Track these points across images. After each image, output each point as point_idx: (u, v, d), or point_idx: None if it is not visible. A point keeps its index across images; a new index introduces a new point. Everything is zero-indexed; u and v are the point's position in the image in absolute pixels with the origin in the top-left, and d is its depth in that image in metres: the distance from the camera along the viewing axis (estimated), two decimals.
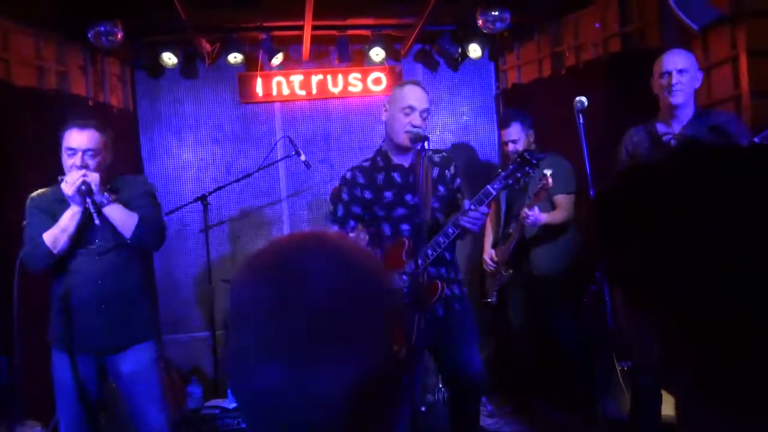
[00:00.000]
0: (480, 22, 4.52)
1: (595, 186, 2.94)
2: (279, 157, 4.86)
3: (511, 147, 4.09)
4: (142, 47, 4.74)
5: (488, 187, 2.68)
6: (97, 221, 2.65)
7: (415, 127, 2.75)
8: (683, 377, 0.65)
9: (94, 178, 2.70)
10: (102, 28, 4.18)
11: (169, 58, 4.75)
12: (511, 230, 3.98)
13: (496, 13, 4.47)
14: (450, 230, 2.71)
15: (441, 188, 2.90)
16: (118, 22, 4.19)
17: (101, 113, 4.54)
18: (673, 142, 2.97)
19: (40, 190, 2.91)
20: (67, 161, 2.78)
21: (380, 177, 2.89)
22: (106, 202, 2.75)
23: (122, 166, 4.59)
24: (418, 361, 2.80)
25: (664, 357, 0.65)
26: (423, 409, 3.95)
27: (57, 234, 2.72)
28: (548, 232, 3.90)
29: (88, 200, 2.65)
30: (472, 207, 2.66)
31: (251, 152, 5.15)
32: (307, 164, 4.61)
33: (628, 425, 3.15)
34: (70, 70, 4.35)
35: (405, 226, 2.84)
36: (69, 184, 2.66)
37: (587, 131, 3.04)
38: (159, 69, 4.95)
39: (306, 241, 0.74)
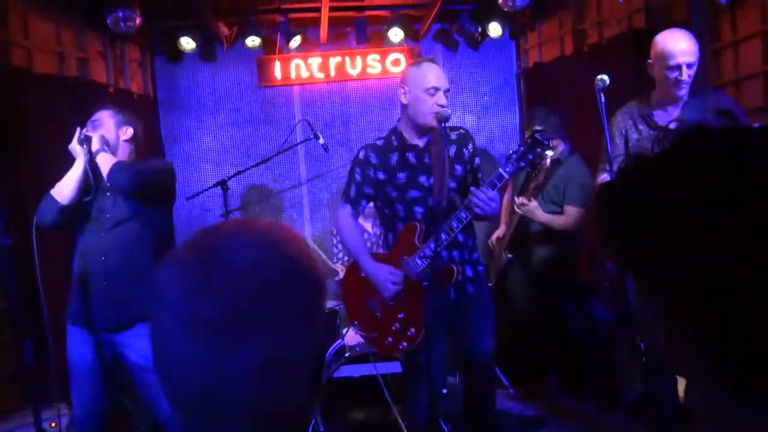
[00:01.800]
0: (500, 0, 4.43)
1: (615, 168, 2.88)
2: (298, 141, 4.84)
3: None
4: (160, 32, 4.75)
5: (500, 170, 2.59)
6: (89, 170, 2.83)
7: (442, 107, 2.68)
8: (692, 362, 0.65)
9: (93, 132, 2.90)
10: (120, 14, 4.19)
11: (187, 43, 4.75)
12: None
13: None
14: (463, 215, 2.65)
15: (458, 167, 2.81)
16: (136, 7, 4.20)
17: (121, 99, 4.57)
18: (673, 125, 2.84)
19: None
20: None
21: (394, 157, 2.81)
22: (100, 150, 2.88)
23: (142, 151, 4.64)
24: (437, 343, 2.72)
25: (673, 341, 0.65)
26: (444, 392, 3.95)
27: (61, 185, 2.85)
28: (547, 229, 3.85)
29: (85, 147, 2.84)
30: (484, 190, 2.58)
31: (270, 135, 5.15)
32: (325, 147, 4.57)
33: (643, 406, 3.09)
34: (90, 56, 4.38)
35: (418, 209, 2.77)
36: (73, 140, 2.88)
37: (610, 111, 2.96)
38: (178, 54, 4.95)
39: (228, 226, 0.77)
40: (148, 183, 2.90)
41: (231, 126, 5.17)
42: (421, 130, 2.76)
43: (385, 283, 2.76)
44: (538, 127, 2.64)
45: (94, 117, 3.03)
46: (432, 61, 2.81)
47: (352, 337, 3.74)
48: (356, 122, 5.27)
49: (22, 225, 3.58)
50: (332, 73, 5.16)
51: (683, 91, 2.82)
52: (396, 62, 5.19)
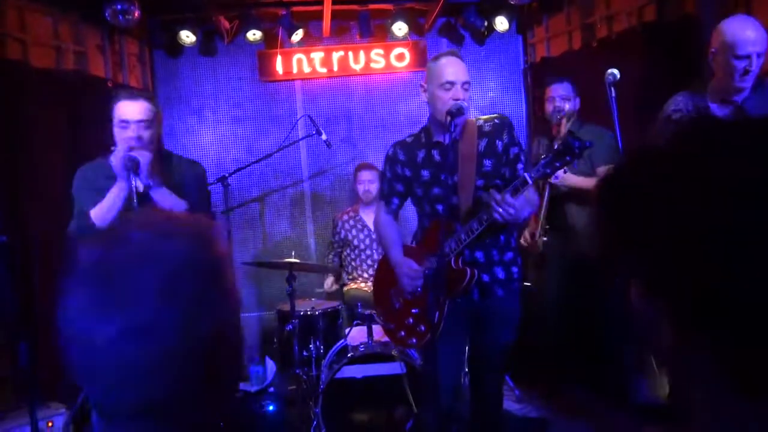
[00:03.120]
0: None
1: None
2: (300, 137, 4.76)
3: (556, 104, 3.81)
4: (159, 25, 4.68)
5: (525, 174, 2.47)
6: (135, 202, 2.50)
7: (456, 100, 2.57)
8: (693, 363, 0.64)
9: (144, 156, 2.54)
10: (119, 6, 4.11)
11: (187, 36, 4.67)
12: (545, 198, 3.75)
13: None
14: (484, 216, 2.54)
15: (487, 163, 2.67)
16: (135, 0, 4.11)
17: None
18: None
19: (90, 163, 2.77)
20: (120, 134, 2.60)
21: (420, 154, 2.76)
22: (153, 184, 2.60)
23: None
24: (449, 346, 2.67)
25: (674, 342, 0.65)
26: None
27: (104, 211, 2.59)
28: (572, 195, 3.67)
29: (134, 178, 2.51)
30: (506, 195, 2.46)
31: (272, 131, 5.07)
32: (328, 143, 4.51)
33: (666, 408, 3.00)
34: (88, 50, 4.30)
35: (440, 207, 2.72)
36: (118, 157, 2.52)
37: (620, 106, 2.87)
38: (177, 48, 4.88)
39: (140, 215, 0.93)
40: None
41: (231, 121, 5.09)
42: (443, 127, 2.63)
43: (402, 276, 2.78)
44: (572, 138, 2.45)
45: (139, 115, 2.58)
46: (453, 54, 2.70)
47: (355, 337, 3.67)
48: (359, 118, 5.18)
49: (16, 221, 3.53)
50: (335, 67, 5.07)
51: (749, 83, 2.69)
52: (400, 57, 5.10)
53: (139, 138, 2.57)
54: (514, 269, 2.79)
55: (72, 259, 0.80)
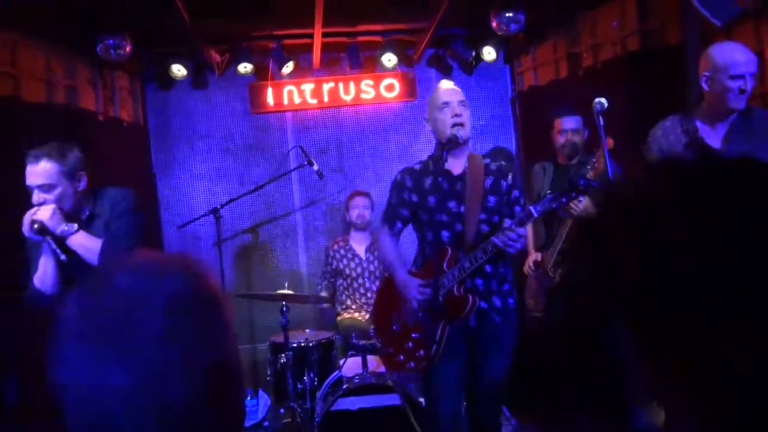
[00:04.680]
0: (494, 24, 4.42)
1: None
2: (291, 167, 4.78)
3: (566, 137, 3.88)
4: (151, 59, 4.71)
5: (531, 207, 2.58)
6: (62, 257, 2.47)
7: (456, 116, 2.75)
8: (669, 400, 0.66)
9: (45, 213, 2.50)
10: (110, 41, 4.15)
11: (178, 70, 4.71)
12: (555, 229, 3.75)
13: (511, 15, 4.37)
14: (489, 247, 2.64)
15: (491, 199, 2.81)
16: (126, 35, 4.16)
17: (111, 128, 4.51)
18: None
19: None
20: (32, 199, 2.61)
21: (428, 181, 2.86)
22: (67, 233, 2.54)
23: (134, 180, 4.56)
24: (446, 368, 2.76)
25: (652, 379, 0.66)
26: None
27: (41, 277, 2.57)
28: None
29: (49, 239, 2.48)
30: (513, 226, 2.58)
31: (263, 162, 5.09)
32: (320, 174, 4.53)
33: None
34: (79, 84, 4.31)
35: (445, 233, 2.80)
36: (24, 225, 2.50)
37: (606, 132, 2.92)
38: (169, 81, 4.91)
39: (124, 258, 0.85)
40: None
41: (223, 153, 5.11)
42: (447, 147, 2.74)
43: (412, 292, 2.80)
44: (584, 177, 2.66)
45: (37, 180, 2.52)
46: (445, 81, 2.93)
47: (349, 368, 3.64)
48: (350, 148, 5.22)
49: (12, 259, 3.50)
50: (325, 98, 5.12)
51: (743, 104, 2.75)
52: (390, 87, 5.16)
53: (39, 204, 2.54)
54: (510, 300, 2.88)
55: (59, 312, 0.79)
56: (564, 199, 2.56)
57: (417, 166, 2.95)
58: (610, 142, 3.27)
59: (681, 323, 0.60)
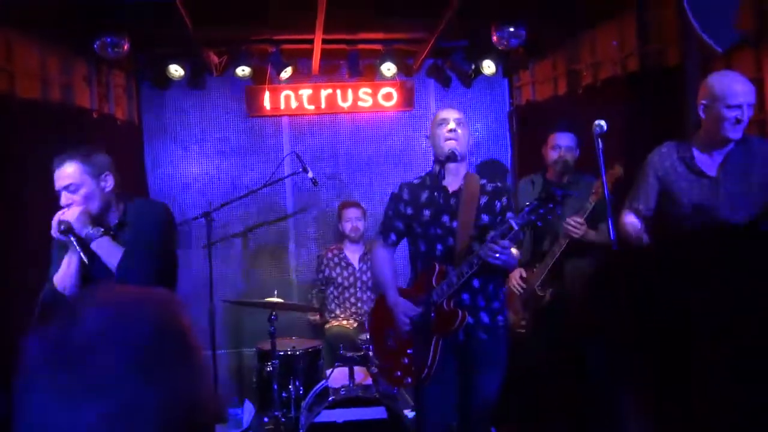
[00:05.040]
0: (495, 38, 4.41)
1: (612, 213, 2.82)
2: (286, 173, 4.76)
3: (559, 153, 3.85)
4: (148, 59, 4.67)
5: (511, 221, 2.61)
6: (85, 260, 2.48)
7: (450, 131, 2.84)
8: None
9: (72, 213, 2.50)
10: (108, 40, 4.11)
11: (176, 70, 4.67)
12: (545, 247, 3.74)
13: (512, 30, 4.36)
14: (474, 260, 2.69)
15: (485, 217, 2.87)
16: (125, 34, 4.12)
17: (105, 126, 4.47)
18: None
19: None
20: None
21: (424, 195, 2.94)
22: (93, 236, 2.53)
23: (126, 179, 4.51)
24: (436, 383, 2.80)
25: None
26: None
27: (62, 277, 2.58)
28: (582, 248, 3.61)
29: (73, 239, 2.48)
30: (495, 238, 2.62)
31: (258, 166, 5.06)
32: (314, 182, 4.51)
33: None
34: (74, 81, 4.27)
35: (438, 247, 2.87)
36: (52, 226, 2.50)
37: (604, 153, 2.91)
38: (165, 80, 4.87)
39: (97, 292, 0.84)
40: (163, 269, 2.63)
41: (217, 155, 5.08)
42: (444, 164, 2.84)
43: (400, 315, 2.87)
44: (555, 187, 2.73)
45: (64, 181, 2.55)
46: (449, 107, 3.07)
47: (336, 378, 3.61)
48: (345, 155, 5.20)
49: None
50: (323, 105, 5.09)
51: (739, 134, 2.76)
52: (388, 96, 5.14)
53: (67, 205, 2.54)
54: (500, 318, 2.91)
55: (25, 343, 0.77)
56: (542, 210, 2.57)
57: (415, 181, 3.03)
58: (618, 170, 3.27)
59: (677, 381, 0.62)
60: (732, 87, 2.74)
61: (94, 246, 2.54)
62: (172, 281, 2.71)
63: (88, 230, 2.54)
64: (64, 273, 2.57)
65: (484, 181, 2.94)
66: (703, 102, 2.84)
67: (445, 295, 2.78)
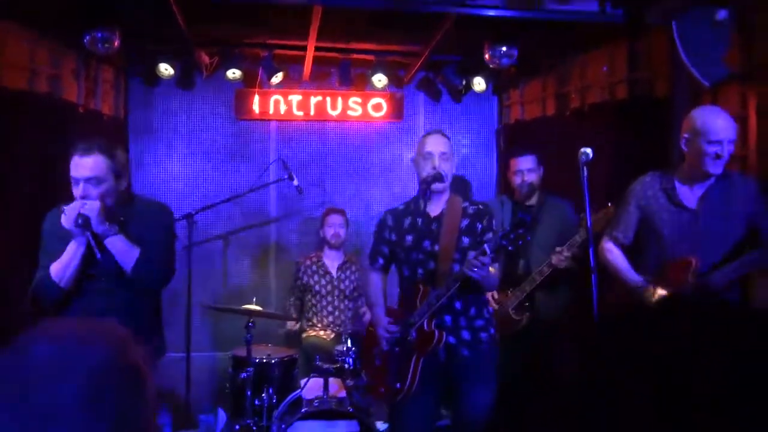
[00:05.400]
0: (487, 56, 4.43)
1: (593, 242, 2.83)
2: (271, 179, 4.74)
3: (522, 177, 3.92)
4: (138, 55, 4.63)
5: (485, 245, 2.66)
6: (98, 255, 2.47)
7: (434, 168, 2.87)
8: None
9: (92, 208, 2.49)
10: (99, 35, 4.05)
11: (166, 69, 4.63)
12: (520, 269, 3.81)
13: (504, 49, 4.38)
14: (451, 282, 2.76)
15: (465, 240, 2.92)
16: (116, 29, 4.07)
17: (91, 120, 4.42)
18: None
19: (56, 209, 2.66)
20: (74, 190, 2.57)
21: (407, 221, 3.00)
22: (108, 233, 2.54)
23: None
24: (415, 402, 2.87)
25: None
26: None
27: (61, 268, 2.54)
28: (556, 276, 3.70)
29: (88, 234, 2.47)
30: (473, 257, 2.66)
31: (243, 169, 5.03)
32: (299, 190, 4.50)
33: None
34: (62, 74, 4.21)
35: (420, 271, 2.94)
36: (67, 217, 2.47)
37: (589, 178, 2.92)
38: (154, 78, 4.82)
39: (49, 325, 0.84)
40: (168, 269, 2.73)
41: (202, 156, 5.04)
42: (425, 190, 2.89)
43: (380, 332, 2.95)
44: (522, 213, 2.92)
45: (87, 172, 2.53)
46: (437, 132, 3.03)
47: (311, 389, 3.60)
48: (332, 163, 5.19)
49: None
50: (312, 111, 5.08)
51: (719, 169, 2.81)
52: (377, 107, 5.14)
53: (85, 197, 2.53)
54: (483, 335, 2.94)
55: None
56: (512, 236, 2.62)
57: (400, 207, 3.10)
58: (611, 209, 3.30)
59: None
60: (713, 123, 2.79)
61: (108, 243, 2.54)
62: (171, 278, 2.79)
63: (105, 227, 2.53)
64: (65, 264, 2.54)
65: (466, 204, 2.98)
66: (686, 135, 2.89)
67: (425, 316, 2.83)
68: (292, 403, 3.61)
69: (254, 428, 3.66)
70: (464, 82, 5.01)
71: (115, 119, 4.76)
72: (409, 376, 2.84)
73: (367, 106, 5.13)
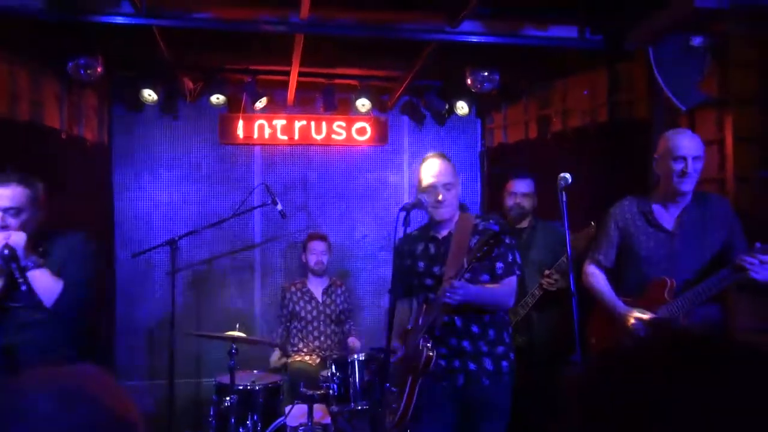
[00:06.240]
0: (469, 81, 4.49)
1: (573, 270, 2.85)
2: (255, 204, 4.73)
3: (515, 200, 3.92)
4: (122, 82, 4.63)
5: (463, 259, 2.62)
6: (23, 287, 2.41)
7: (438, 202, 2.78)
8: None
9: (18, 239, 2.44)
10: (82, 61, 4.07)
11: (149, 95, 4.63)
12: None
13: (486, 74, 4.44)
14: (437, 309, 2.70)
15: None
16: (99, 57, 4.08)
17: (74, 146, 4.40)
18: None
19: None
20: None
21: (419, 247, 2.93)
22: (31, 265, 2.49)
23: (91, 201, 4.45)
24: (427, 426, 2.77)
25: None
26: None
27: None
28: (550, 300, 3.73)
29: (13, 265, 2.41)
30: (452, 282, 2.61)
31: (227, 194, 5.03)
32: (282, 214, 4.49)
33: None
34: (45, 99, 4.21)
35: (432, 296, 2.83)
36: None
37: (569, 199, 2.95)
38: (138, 104, 4.82)
39: (30, 380, 0.81)
40: (88, 300, 2.68)
41: (186, 181, 5.03)
42: (438, 222, 2.85)
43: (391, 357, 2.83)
44: (509, 236, 2.83)
45: (4, 202, 2.47)
46: (436, 156, 2.91)
47: (294, 416, 3.57)
48: (316, 187, 5.20)
49: None
50: (296, 136, 5.10)
51: (688, 186, 2.85)
52: (361, 131, 5.17)
53: (4, 227, 2.47)
54: (504, 363, 2.83)
55: None
56: (485, 248, 2.59)
57: (414, 233, 2.96)
58: (593, 228, 3.35)
59: None
60: (678, 140, 2.87)
61: (32, 276, 2.47)
62: (93, 309, 2.78)
63: (30, 259, 2.48)
64: None
65: (477, 221, 2.88)
66: (656, 156, 2.97)
67: (419, 336, 2.75)
68: (276, 430, 3.58)
69: None
70: (447, 106, 5.06)
71: (99, 145, 4.74)
72: (405, 397, 2.74)
73: (351, 130, 5.15)
